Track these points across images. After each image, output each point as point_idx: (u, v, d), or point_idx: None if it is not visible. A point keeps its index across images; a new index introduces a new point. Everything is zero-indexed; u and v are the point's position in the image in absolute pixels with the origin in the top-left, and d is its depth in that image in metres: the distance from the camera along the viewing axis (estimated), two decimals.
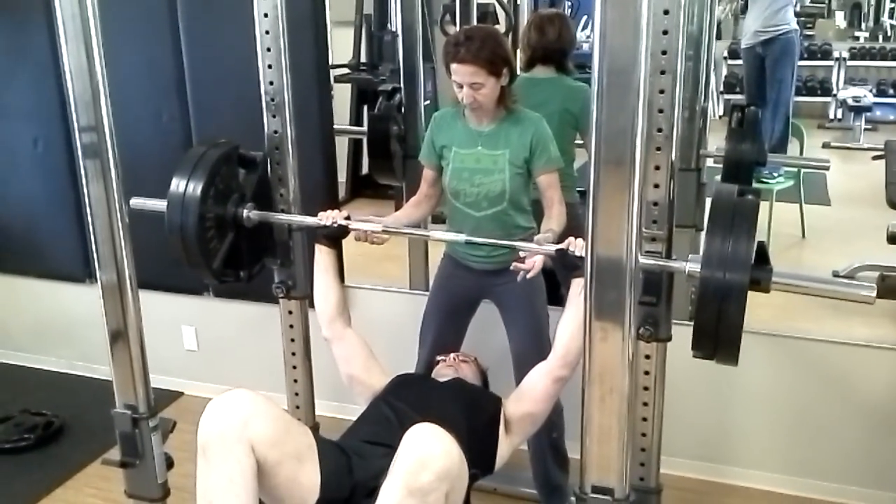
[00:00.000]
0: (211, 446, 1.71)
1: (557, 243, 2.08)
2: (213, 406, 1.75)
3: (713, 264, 1.57)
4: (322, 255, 2.31)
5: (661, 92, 1.86)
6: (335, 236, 2.29)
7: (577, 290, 2.06)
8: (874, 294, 1.63)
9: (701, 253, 1.62)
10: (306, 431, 1.91)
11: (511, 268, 2.16)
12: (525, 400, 2.13)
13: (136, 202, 2.11)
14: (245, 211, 2.21)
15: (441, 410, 1.97)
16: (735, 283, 1.55)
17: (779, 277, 1.63)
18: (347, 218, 2.26)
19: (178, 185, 2.07)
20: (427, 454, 1.59)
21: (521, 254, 2.15)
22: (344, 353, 2.29)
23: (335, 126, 3.18)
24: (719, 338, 1.60)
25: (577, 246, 2.00)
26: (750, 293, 1.62)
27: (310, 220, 2.31)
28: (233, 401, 1.75)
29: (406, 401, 2.07)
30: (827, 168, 3.59)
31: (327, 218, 2.24)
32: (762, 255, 1.61)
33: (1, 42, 3.42)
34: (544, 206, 2.37)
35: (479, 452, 2.01)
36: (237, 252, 2.25)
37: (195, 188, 2.06)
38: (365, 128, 3.32)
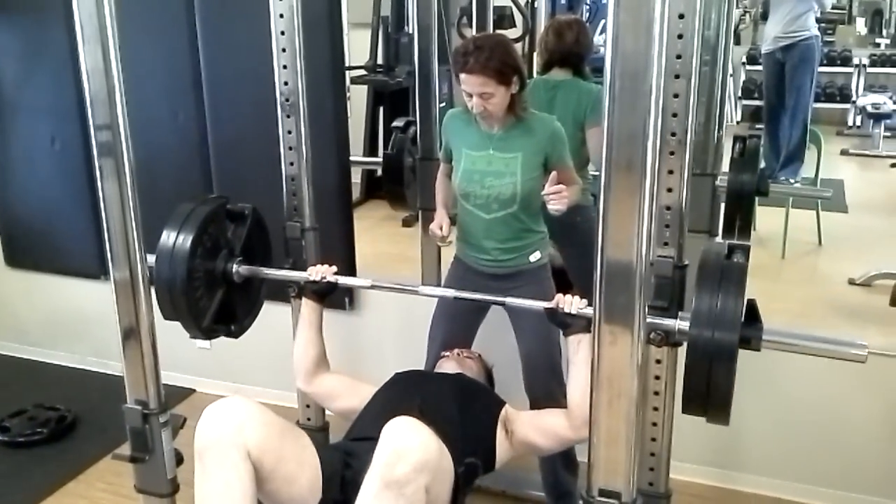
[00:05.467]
0: (207, 452, 1.72)
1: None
2: (208, 413, 1.77)
3: (702, 323, 1.56)
4: (307, 309, 2.31)
5: (676, 96, 1.85)
6: (323, 292, 2.28)
7: (575, 348, 2.03)
8: (866, 353, 1.61)
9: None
10: (302, 435, 1.92)
11: (543, 194, 2.18)
12: (538, 431, 2.11)
13: None
14: (234, 266, 2.20)
15: (435, 397, 1.97)
16: (724, 343, 1.53)
17: (770, 336, 1.62)
18: (337, 273, 2.25)
19: (166, 243, 2.05)
20: (403, 446, 1.60)
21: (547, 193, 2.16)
22: (323, 395, 2.32)
23: (351, 158, 3.22)
24: (710, 397, 1.58)
25: (566, 303, 1.97)
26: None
27: (299, 275, 2.29)
28: (227, 407, 1.77)
29: (400, 391, 2.08)
30: (828, 197, 3.59)
31: (316, 273, 2.24)
32: (752, 312, 1.60)
33: (20, 41, 3.46)
34: None
35: (476, 442, 2.01)
36: (227, 307, 2.24)
37: (183, 246, 2.04)
38: (379, 156, 3.36)
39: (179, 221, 2.08)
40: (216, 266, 2.17)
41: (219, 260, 2.18)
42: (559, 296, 2.00)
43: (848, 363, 2.63)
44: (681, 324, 1.69)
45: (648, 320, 1.59)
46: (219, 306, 2.19)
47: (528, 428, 2.11)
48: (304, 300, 2.30)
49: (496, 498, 2.73)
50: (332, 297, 2.33)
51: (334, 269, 2.25)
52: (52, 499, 2.86)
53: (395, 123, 3.33)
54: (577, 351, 2.03)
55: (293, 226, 2.44)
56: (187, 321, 2.12)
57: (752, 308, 1.60)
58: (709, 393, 1.57)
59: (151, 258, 1.98)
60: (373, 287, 2.23)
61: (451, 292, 2.23)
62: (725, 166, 3.19)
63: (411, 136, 3.23)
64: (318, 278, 2.23)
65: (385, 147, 3.42)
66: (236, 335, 2.29)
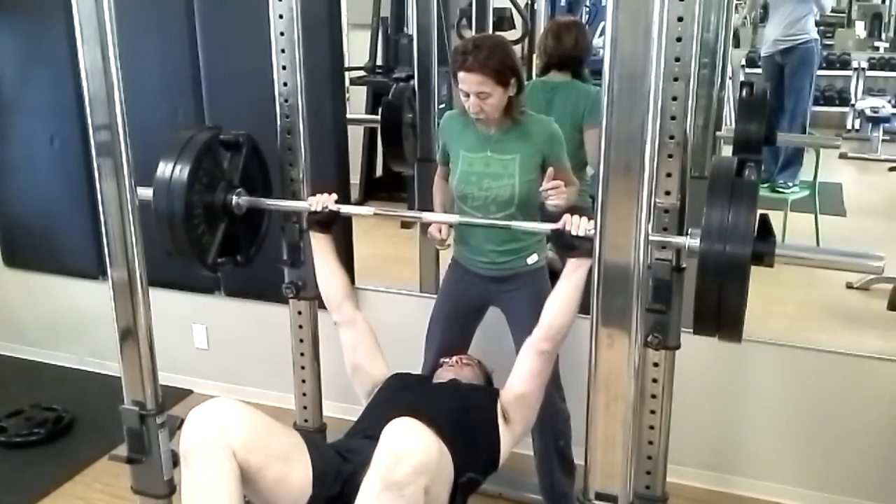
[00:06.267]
0: (192, 454, 1.72)
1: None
2: (192, 415, 1.76)
3: (713, 238, 1.49)
4: (317, 241, 2.31)
5: (674, 99, 1.86)
6: (326, 222, 2.27)
7: (572, 268, 2.02)
8: (882, 265, 1.55)
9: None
10: (292, 433, 1.91)
11: (541, 191, 2.16)
12: (514, 382, 2.10)
13: None
14: (234, 198, 2.18)
15: (436, 413, 1.97)
16: (736, 257, 1.47)
17: (783, 250, 1.54)
18: (338, 202, 2.24)
19: (162, 176, 2.03)
20: (403, 448, 1.60)
21: (547, 194, 2.15)
22: (351, 340, 2.29)
23: (349, 116, 3.17)
24: (721, 315, 1.52)
25: (573, 225, 1.96)
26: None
27: (300, 205, 2.30)
28: (212, 409, 1.77)
29: (401, 403, 2.07)
30: (838, 146, 3.54)
31: (317, 203, 2.24)
32: (765, 228, 1.54)
33: (20, 41, 3.46)
34: None
35: (480, 453, 2.00)
36: (231, 239, 2.23)
37: (181, 179, 2.02)
38: (378, 117, 3.31)
39: (174, 155, 2.05)
40: (216, 199, 2.15)
41: (218, 192, 2.16)
42: (566, 216, 1.98)
43: (846, 367, 2.67)
44: (691, 241, 1.61)
45: (654, 238, 1.57)
46: (222, 239, 2.18)
47: (509, 390, 2.10)
48: (312, 233, 2.31)
49: (494, 501, 2.72)
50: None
51: (335, 197, 2.25)
52: (48, 499, 2.86)
53: (395, 75, 3.27)
54: (572, 271, 2.01)
55: (292, 227, 2.43)
56: (192, 258, 2.11)
57: (764, 223, 1.54)
58: (720, 310, 1.52)
59: (143, 191, 1.93)
60: (375, 215, 2.27)
61: (454, 218, 2.26)
62: None
63: (412, 88, 3.19)
64: (319, 208, 2.23)
65: (384, 147, 3.41)
66: (243, 265, 2.29)
